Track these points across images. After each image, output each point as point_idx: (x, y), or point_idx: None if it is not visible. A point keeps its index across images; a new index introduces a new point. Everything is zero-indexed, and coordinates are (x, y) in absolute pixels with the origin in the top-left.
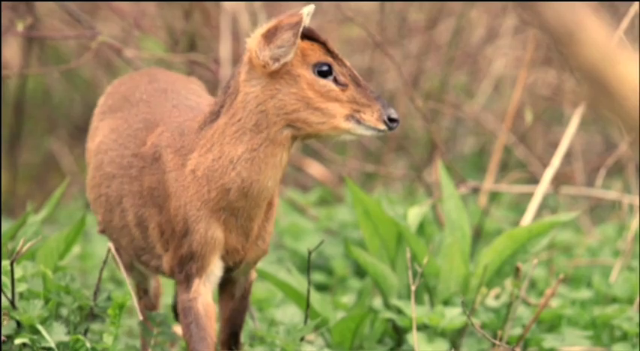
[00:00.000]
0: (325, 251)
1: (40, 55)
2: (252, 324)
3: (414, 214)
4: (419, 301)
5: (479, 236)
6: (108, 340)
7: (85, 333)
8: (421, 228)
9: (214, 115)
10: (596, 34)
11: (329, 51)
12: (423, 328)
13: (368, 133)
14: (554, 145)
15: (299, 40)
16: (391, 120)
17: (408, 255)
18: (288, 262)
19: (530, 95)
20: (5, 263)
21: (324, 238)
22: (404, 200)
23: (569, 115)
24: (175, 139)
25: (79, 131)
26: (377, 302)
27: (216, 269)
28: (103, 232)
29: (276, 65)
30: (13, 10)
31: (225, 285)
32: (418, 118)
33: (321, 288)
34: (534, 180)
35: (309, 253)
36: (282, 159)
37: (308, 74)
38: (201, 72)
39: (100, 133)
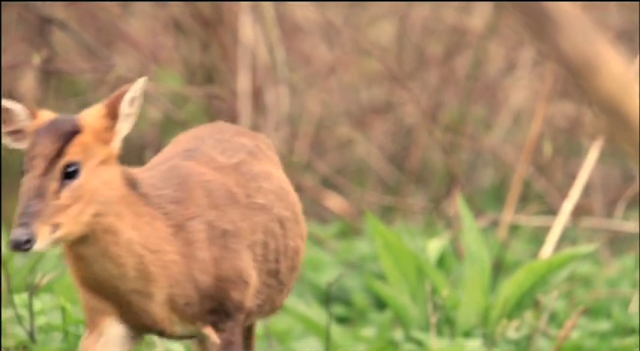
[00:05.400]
0: (345, 284)
1: (58, 88)
2: None
3: (434, 247)
4: (439, 333)
5: (499, 269)
6: None
7: None
8: (441, 260)
9: None
10: (614, 67)
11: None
12: None
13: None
14: (573, 178)
15: None
16: (12, 242)
17: (428, 287)
18: (308, 295)
19: (549, 127)
20: (24, 296)
21: (343, 270)
22: (423, 232)
23: (588, 147)
24: None
25: None
26: (398, 334)
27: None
28: None
29: None
30: (29, 43)
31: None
32: (437, 150)
33: (342, 321)
34: (553, 212)
35: (329, 285)
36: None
37: None
38: (219, 105)
39: None
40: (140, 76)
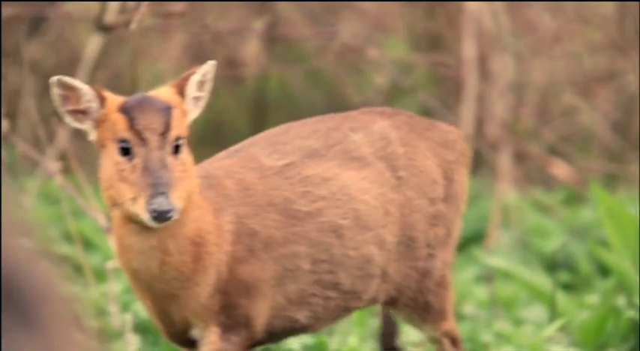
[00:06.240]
0: (570, 251)
1: (284, 54)
2: (498, 323)
3: None
4: None
5: None
6: (353, 341)
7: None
8: None
9: None
10: None
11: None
12: None
13: (144, 218)
14: None
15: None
16: (156, 212)
17: None
18: (534, 262)
19: None
20: None
21: (568, 237)
22: None
23: None
24: None
25: None
26: (621, 301)
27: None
28: None
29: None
30: (252, 9)
31: None
32: None
33: (567, 287)
34: None
35: (555, 253)
36: (134, 242)
37: (114, 148)
38: (444, 72)
39: None
40: (365, 43)
